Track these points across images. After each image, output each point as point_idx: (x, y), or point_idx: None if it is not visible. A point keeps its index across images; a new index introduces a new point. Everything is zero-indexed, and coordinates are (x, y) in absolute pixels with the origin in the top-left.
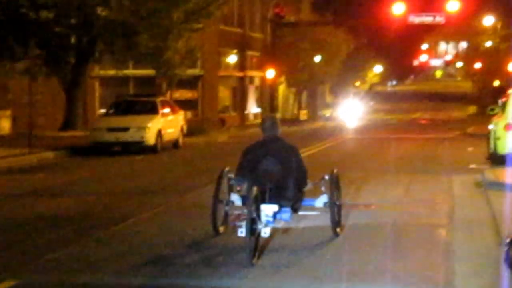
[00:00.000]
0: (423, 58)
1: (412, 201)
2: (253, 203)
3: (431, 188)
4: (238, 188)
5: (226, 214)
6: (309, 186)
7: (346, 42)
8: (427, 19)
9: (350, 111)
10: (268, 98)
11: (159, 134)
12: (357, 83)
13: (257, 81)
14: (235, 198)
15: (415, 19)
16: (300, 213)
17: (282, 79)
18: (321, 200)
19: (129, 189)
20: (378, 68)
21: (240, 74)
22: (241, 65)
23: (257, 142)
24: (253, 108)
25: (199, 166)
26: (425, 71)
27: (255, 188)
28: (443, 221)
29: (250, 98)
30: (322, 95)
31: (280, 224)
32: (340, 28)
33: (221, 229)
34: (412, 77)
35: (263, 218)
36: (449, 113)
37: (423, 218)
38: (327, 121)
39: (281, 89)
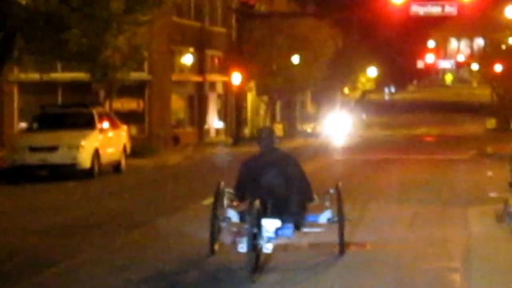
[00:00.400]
0: (429, 58)
1: (418, 238)
2: (255, 217)
3: (441, 223)
4: (235, 204)
5: (219, 231)
6: (315, 202)
7: (332, 39)
8: (435, 10)
9: (338, 126)
10: (233, 109)
11: (96, 154)
12: (346, 90)
13: (219, 88)
14: (232, 215)
15: (420, 10)
16: (303, 230)
17: (252, 85)
18: (325, 216)
19: (59, 225)
20: (372, 72)
21: (199, 78)
22: (200, 67)
23: (255, 155)
24: (214, 122)
25: (146, 194)
26: (431, 75)
27: (257, 202)
28: (456, 264)
29: (211, 109)
30: (302, 106)
31: (281, 240)
32: (325, 21)
33: (216, 247)
34: (415, 82)
35: (265, 233)
36: (462, 128)
37: (431, 260)
38: (308, 138)
39: (250, 97)
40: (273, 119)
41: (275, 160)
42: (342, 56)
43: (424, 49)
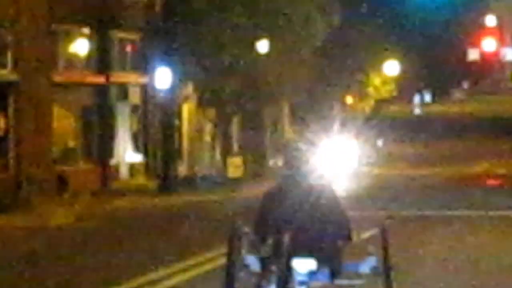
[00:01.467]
0: (489, 45)
1: None
2: (285, 257)
3: None
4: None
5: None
6: (355, 240)
7: (323, 13)
8: None
9: (336, 160)
10: (159, 131)
11: None
12: (349, 100)
13: (135, 95)
14: (252, 261)
15: None
16: (339, 282)
17: (190, 90)
18: (368, 264)
19: None
20: (392, 68)
21: (99, 79)
22: (101, 60)
23: (280, 182)
24: (127, 154)
25: (13, 281)
26: (492, 73)
27: (286, 237)
28: None
29: (121, 131)
30: (276, 126)
31: (316, 286)
32: None
33: None
34: (465, 85)
35: (297, 277)
36: None
37: None
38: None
39: (188, 111)
40: (226, 148)
41: (306, 188)
42: (340, 42)
43: (480, 30)
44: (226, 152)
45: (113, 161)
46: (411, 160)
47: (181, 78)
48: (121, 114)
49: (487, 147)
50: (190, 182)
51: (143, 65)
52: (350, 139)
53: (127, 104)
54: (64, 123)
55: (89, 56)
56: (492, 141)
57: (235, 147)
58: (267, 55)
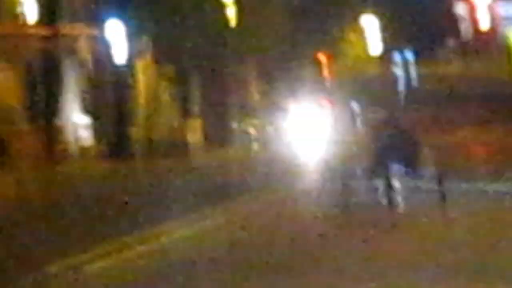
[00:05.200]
0: None
1: None
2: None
3: None
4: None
5: None
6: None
7: None
8: None
9: (306, 125)
10: (111, 90)
11: None
12: (322, 59)
13: (83, 49)
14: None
15: None
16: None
17: (144, 44)
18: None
19: None
20: (370, 22)
21: (46, 31)
22: (48, 10)
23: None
24: (74, 115)
25: None
26: (483, 32)
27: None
28: None
29: (68, 89)
30: (241, 87)
31: None
32: None
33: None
34: (451, 43)
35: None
36: None
37: None
38: (251, 147)
39: (143, 68)
40: (185, 110)
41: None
42: None
43: None
44: (185, 115)
45: (58, 123)
46: (387, 125)
47: (135, 31)
48: (68, 69)
49: (471, 113)
50: (144, 146)
51: (92, 16)
52: (321, 102)
53: (75, 59)
54: (3, 81)
55: (36, 6)
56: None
57: (195, 109)
58: (231, 4)
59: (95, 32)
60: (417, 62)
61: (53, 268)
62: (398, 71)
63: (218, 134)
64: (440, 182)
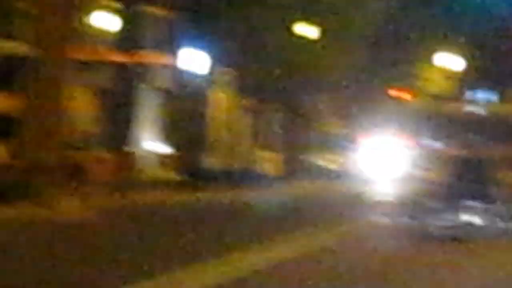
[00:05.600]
0: None
1: None
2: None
3: None
4: None
5: None
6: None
7: None
8: None
9: (384, 159)
10: (190, 119)
11: None
12: (392, 91)
13: (162, 78)
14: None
15: None
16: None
17: (227, 76)
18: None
19: None
20: (451, 59)
21: (123, 57)
22: (127, 36)
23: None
24: (151, 143)
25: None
26: None
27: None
28: None
29: (145, 116)
30: (319, 121)
31: None
32: None
33: None
34: None
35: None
36: None
37: None
38: (332, 182)
39: (223, 99)
40: (264, 142)
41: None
42: (393, 31)
43: None
44: (264, 145)
45: (133, 149)
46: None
47: (219, 62)
48: (145, 97)
49: None
50: (221, 177)
51: (173, 45)
52: (397, 135)
53: (153, 87)
54: (78, 103)
55: (116, 33)
56: None
57: (274, 140)
58: (313, 41)
59: (176, 61)
60: (500, 101)
61: None
62: (480, 110)
63: (295, 167)
64: None
